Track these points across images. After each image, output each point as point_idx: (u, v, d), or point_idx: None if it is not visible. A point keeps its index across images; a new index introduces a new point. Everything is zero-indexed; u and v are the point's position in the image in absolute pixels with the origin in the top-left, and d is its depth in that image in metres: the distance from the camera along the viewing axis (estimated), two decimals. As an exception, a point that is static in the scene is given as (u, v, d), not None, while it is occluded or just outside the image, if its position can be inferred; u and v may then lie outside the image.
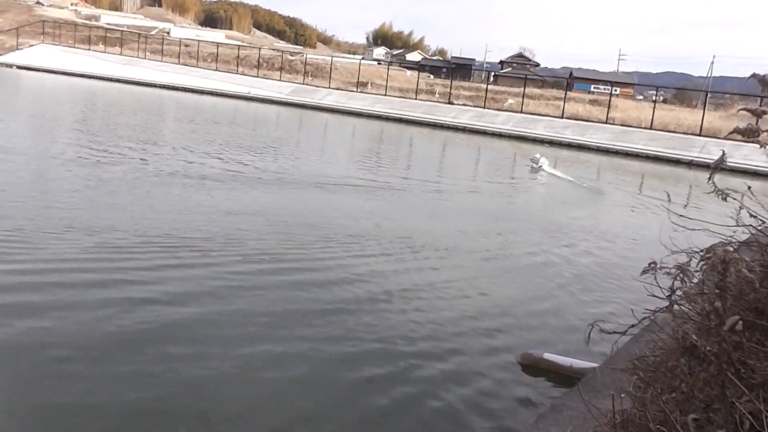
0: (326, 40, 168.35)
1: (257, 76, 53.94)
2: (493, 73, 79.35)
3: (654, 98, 48.12)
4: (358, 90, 50.11)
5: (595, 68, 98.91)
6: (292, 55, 65.62)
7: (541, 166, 21.39)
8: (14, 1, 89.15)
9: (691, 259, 3.47)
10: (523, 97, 44.05)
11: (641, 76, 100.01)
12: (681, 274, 3.44)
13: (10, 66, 56.76)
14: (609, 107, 41.33)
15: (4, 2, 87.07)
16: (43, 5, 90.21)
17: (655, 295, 3.81)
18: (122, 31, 72.53)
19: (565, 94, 47.60)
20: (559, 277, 9.00)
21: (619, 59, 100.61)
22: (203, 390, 4.91)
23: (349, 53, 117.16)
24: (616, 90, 58.69)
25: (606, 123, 38.55)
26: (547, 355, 5.76)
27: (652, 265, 3.61)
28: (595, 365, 5.25)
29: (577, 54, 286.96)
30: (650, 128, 36.59)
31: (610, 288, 8.68)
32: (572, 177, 20.84)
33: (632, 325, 4.03)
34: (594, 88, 72.31)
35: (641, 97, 72.43)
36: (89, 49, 63.66)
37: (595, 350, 5.64)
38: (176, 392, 4.84)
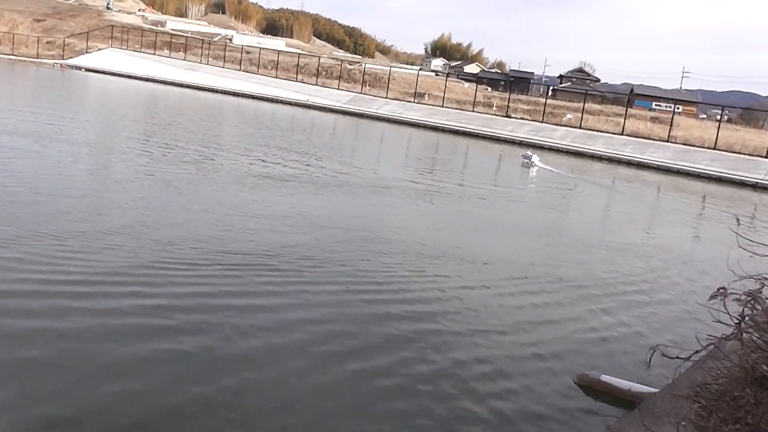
0: (385, 50, 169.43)
1: (316, 85, 54.62)
2: (551, 87, 78.67)
3: (718, 117, 46.91)
4: (415, 101, 50.22)
5: (657, 85, 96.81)
6: (350, 65, 66.21)
7: (533, 162, 24.45)
8: (85, 6, 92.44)
9: (763, 286, 3.36)
10: (582, 113, 43.49)
11: (705, 95, 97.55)
12: (752, 301, 3.33)
13: (79, 68, 58.74)
14: (671, 125, 40.45)
15: (76, 7, 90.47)
16: (112, 10, 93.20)
17: (721, 321, 3.69)
18: (187, 37, 74.46)
19: (626, 110, 46.81)
20: (624, 298, 8.85)
21: (682, 76, 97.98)
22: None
23: (407, 64, 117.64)
24: (678, 108, 57.46)
25: (667, 141, 37.73)
26: (605, 377, 5.65)
27: (721, 290, 3.51)
28: (655, 390, 5.11)
29: (638, 70, 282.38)
30: (714, 148, 35.67)
31: (674, 312, 8.46)
32: (563, 171, 24.23)
33: (696, 351, 3.91)
34: (655, 105, 70.97)
35: (704, 116, 70.72)
36: (155, 54, 65.43)
37: (654, 375, 5.51)
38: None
